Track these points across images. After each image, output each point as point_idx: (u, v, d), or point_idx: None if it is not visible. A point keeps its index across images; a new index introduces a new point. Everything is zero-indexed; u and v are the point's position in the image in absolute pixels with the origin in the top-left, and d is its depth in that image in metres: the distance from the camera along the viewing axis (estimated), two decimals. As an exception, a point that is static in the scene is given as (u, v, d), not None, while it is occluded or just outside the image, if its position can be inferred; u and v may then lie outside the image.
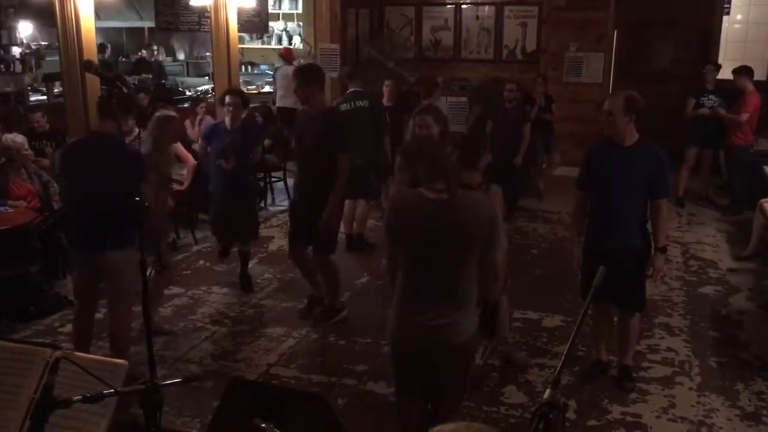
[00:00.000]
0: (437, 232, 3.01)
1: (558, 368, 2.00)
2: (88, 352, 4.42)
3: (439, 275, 3.08)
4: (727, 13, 9.94)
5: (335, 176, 5.01)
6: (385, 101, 7.60)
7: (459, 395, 3.44)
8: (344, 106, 6.70)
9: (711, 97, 8.14)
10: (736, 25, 10.09)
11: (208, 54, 10.75)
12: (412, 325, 3.12)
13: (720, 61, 9.15)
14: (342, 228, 6.30)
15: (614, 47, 9.95)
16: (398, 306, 3.18)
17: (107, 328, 4.56)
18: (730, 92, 8.07)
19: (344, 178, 5.06)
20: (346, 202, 6.48)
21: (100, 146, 4.19)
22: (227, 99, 5.71)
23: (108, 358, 2.20)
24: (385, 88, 7.86)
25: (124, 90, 3.93)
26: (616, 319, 4.58)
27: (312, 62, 6.13)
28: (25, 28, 11.98)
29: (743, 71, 7.88)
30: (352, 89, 6.91)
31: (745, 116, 7.78)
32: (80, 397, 1.82)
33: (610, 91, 9.92)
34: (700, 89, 8.27)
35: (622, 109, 4.04)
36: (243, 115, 5.78)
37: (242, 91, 6.31)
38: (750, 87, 7.81)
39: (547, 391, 1.93)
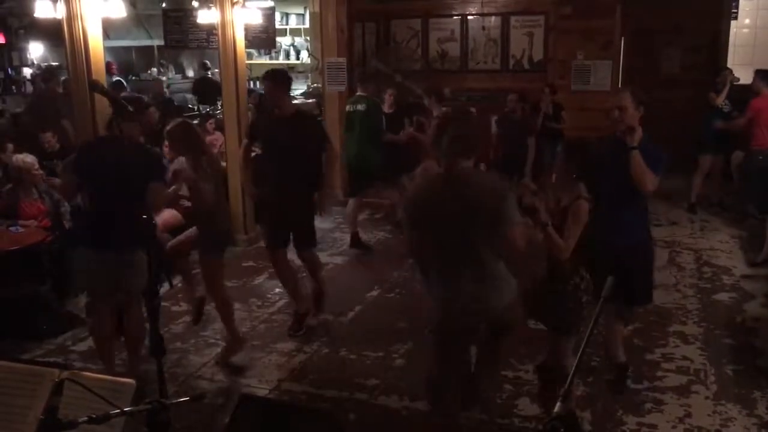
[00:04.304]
0: (448, 207, 3.11)
1: (569, 380, 1.97)
2: (114, 364, 4.44)
3: (462, 253, 3.16)
4: (735, 18, 9.91)
5: (318, 173, 5.35)
6: (385, 108, 7.79)
7: (495, 367, 3.48)
8: (348, 107, 7.39)
9: (726, 101, 8.09)
10: (744, 30, 10.05)
11: (216, 70, 10.83)
12: (450, 308, 3.18)
13: (728, 65, 9.10)
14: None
15: (621, 54, 9.93)
16: (433, 291, 3.25)
17: (127, 331, 4.56)
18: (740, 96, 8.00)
19: (335, 163, 5.53)
20: (349, 202, 7.45)
21: (118, 145, 4.21)
22: None
23: (115, 378, 2.19)
24: (388, 96, 8.03)
25: (130, 109, 3.96)
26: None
27: (281, 68, 6.44)
28: (35, 49, 12.12)
29: (763, 75, 7.79)
30: (358, 93, 7.39)
31: (741, 121, 7.71)
32: (86, 418, 1.81)
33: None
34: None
35: (632, 101, 4.07)
36: None
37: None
38: (764, 91, 7.71)
39: (558, 404, 1.90)
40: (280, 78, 5.24)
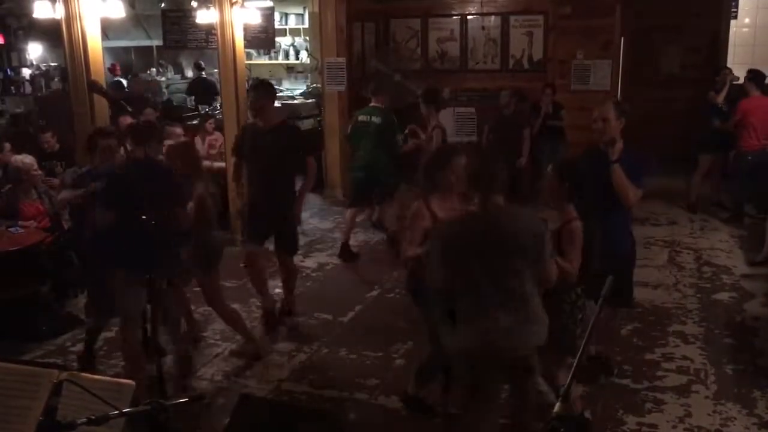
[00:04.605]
0: (488, 245, 3.17)
1: (568, 380, 1.97)
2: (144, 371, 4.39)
3: (502, 290, 3.19)
4: (735, 17, 9.91)
5: (302, 177, 5.50)
6: None
7: (533, 390, 3.52)
8: (361, 117, 7.18)
9: (725, 100, 8.09)
10: (744, 29, 10.05)
11: (215, 71, 10.82)
12: (490, 341, 3.19)
13: (728, 64, 9.10)
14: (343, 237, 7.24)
15: (621, 54, 9.92)
16: (469, 324, 3.23)
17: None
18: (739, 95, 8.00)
19: (314, 177, 5.61)
20: (348, 211, 7.31)
21: (149, 171, 4.24)
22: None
23: (114, 379, 2.18)
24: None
25: (128, 110, 3.96)
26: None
27: (267, 80, 6.55)
28: (34, 50, 12.11)
29: (751, 76, 7.82)
30: (373, 104, 7.22)
31: (732, 121, 7.70)
32: (85, 419, 1.81)
33: (618, 98, 9.91)
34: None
35: (614, 112, 4.22)
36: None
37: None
38: (752, 92, 7.71)
39: (558, 404, 1.90)
40: (266, 89, 5.45)
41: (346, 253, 7.22)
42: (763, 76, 7.84)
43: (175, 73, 14.22)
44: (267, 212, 5.42)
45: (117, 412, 1.91)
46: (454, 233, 3.27)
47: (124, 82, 12.36)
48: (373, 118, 7.08)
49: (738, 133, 7.76)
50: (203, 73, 12.45)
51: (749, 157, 7.69)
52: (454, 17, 10.62)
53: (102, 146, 4.74)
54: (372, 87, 7.50)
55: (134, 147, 4.59)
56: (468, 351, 3.27)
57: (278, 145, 5.29)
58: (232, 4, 7.26)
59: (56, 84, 11.39)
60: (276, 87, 13.21)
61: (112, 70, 12.44)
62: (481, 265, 3.17)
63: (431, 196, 3.78)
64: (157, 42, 12.04)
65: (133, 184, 4.17)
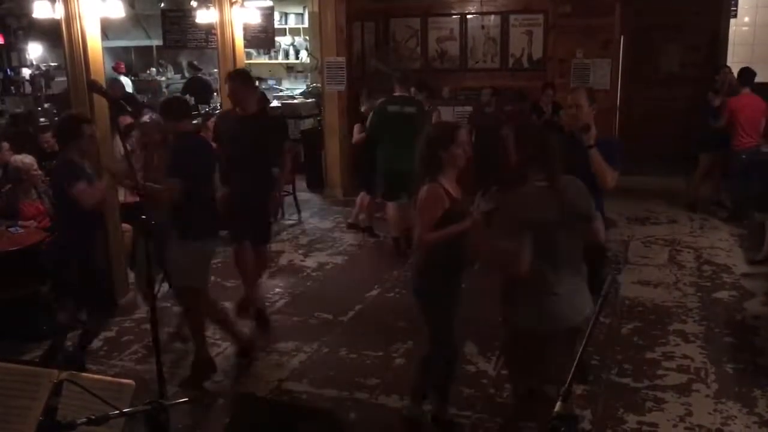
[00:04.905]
0: (555, 216, 3.22)
1: (568, 379, 1.97)
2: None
3: (566, 256, 3.30)
4: (734, 16, 9.88)
5: (279, 166, 5.58)
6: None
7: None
8: (392, 108, 7.07)
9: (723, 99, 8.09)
10: (744, 28, 10.02)
11: (215, 70, 10.83)
12: (559, 312, 3.27)
13: (728, 63, 9.09)
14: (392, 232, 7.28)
15: (621, 53, 9.92)
16: (540, 297, 3.28)
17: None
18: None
19: (289, 164, 5.79)
20: (391, 205, 7.20)
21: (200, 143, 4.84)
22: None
23: (114, 379, 2.18)
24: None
25: (129, 109, 3.96)
26: None
27: (243, 68, 6.71)
28: (34, 50, 12.10)
29: (739, 73, 7.82)
30: (400, 94, 7.15)
31: (722, 120, 7.70)
32: (85, 419, 1.81)
33: (618, 98, 9.92)
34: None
35: (587, 99, 4.29)
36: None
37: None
38: (742, 91, 7.69)
39: (558, 404, 1.90)
40: (245, 78, 5.49)
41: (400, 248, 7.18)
42: (753, 74, 7.83)
43: (175, 73, 14.22)
44: (247, 203, 5.35)
45: (117, 412, 1.91)
46: (531, 208, 3.25)
47: (128, 80, 12.38)
48: (407, 108, 7.01)
49: (730, 132, 7.76)
50: (198, 72, 12.46)
51: (743, 156, 7.70)
52: (454, 16, 10.61)
53: (89, 133, 4.64)
54: (399, 75, 7.41)
55: (174, 123, 4.76)
56: (539, 323, 3.30)
57: (257, 133, 5.29)
58: (231, 4, 7.26)
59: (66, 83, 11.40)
60: (276, 87, 13.31)
61: (116, 68, 12.44)
62: (552, 238, 3.22)
63: (440, 176, 3.70)
64: (156, 42, 12.04)
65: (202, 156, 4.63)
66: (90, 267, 4.66)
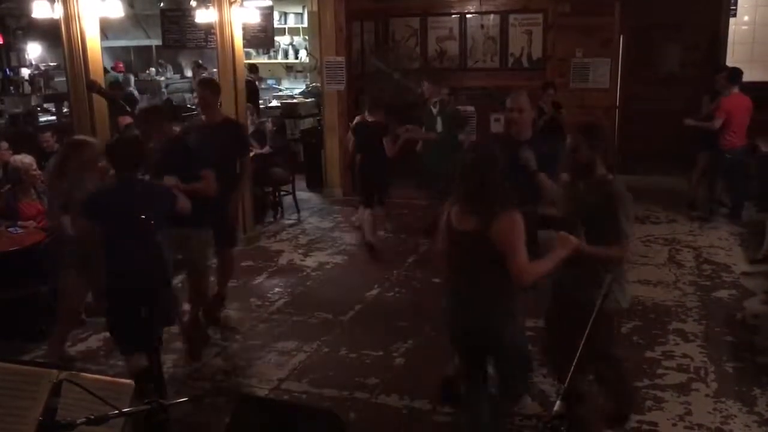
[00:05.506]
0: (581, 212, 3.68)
1: (568, 379, 1.97)
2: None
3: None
4: (734, 15, 9.88)
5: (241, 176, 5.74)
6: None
7: None
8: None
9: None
10: (743, 27, 10.02)
11: (215, 70, 10.82)
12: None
13: (728, 63, 9.09)
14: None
15: (621, 52, 9.92)
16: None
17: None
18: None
19: (249, 175, 6.02)
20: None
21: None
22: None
23: (114, 379, 2.18)
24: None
25: (128, 109, 3.97)
26: None
27: (212, 77, 7.06)
28: (33, 50, 12.10)
29: (727, 74, 7.79)
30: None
31: (717, 122, 7.63)
32: (84, 419, 1.81)
33: (618, 97, 9.92)
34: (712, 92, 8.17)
35: (528, 103, 4.43)
36: None
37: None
38: (732, 90, 7.68)
39: (558, 403, 1.90)
40: (214, 86, 5.75)
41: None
42: (741, 74, 7.80)
43: (174, 73, 14.22)
44: (209, 210, 5.23)
45: (116, 412, 1.90)
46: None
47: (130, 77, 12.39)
48: (447, 108, 7.36)
49: (721, 132, 7.72)
50: (204, 72, 12.44)
51: (728, 156, 7.74)
52: (453, 16, 10.62)
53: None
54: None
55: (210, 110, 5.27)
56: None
57: (219, 140, 5.37)
58: (231, 4, 7.25)
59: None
60: (275, 86, 13.29)
61: (115, 68, 12.43)
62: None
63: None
64: (156, 41, 12.03)
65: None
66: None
